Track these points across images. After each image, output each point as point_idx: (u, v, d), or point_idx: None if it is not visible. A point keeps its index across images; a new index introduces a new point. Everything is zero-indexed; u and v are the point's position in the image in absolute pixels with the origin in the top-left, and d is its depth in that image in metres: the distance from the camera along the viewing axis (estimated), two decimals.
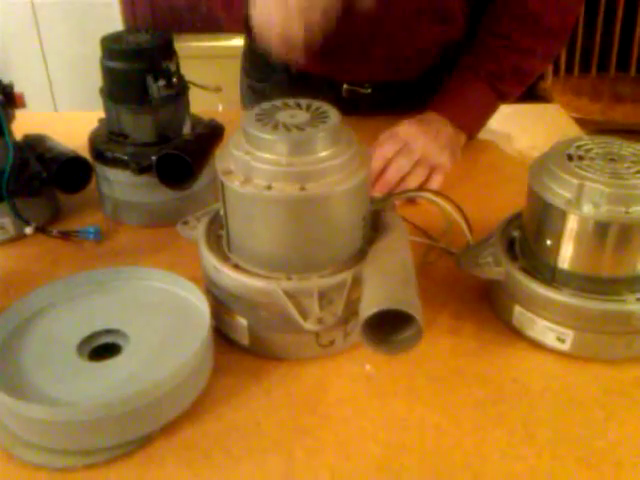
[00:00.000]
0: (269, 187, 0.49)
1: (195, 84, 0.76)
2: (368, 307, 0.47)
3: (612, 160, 0.53)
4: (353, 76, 0.98)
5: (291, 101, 0.54)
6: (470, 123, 0.89)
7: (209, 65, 2.03)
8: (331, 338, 0.54)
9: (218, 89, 0.78)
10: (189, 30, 2.29)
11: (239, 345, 0.56)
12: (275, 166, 0.49)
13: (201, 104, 0.80)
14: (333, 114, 0.52)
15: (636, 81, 1.99)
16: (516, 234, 0.60)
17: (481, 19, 0.90)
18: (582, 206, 0.51)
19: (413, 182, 0.77)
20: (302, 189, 0.49)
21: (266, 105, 0.54)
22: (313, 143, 0.50)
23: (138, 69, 0.68)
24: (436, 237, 0.67)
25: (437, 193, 0.61)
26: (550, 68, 2.00)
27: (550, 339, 0.55)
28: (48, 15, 2.28)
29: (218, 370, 0.54)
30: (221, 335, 0.57)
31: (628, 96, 1.91)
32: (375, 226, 0.58)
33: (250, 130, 0.51)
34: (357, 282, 0.51)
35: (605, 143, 0.56)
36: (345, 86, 0.99)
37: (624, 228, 0.51)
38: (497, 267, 0.57)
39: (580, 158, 0.54)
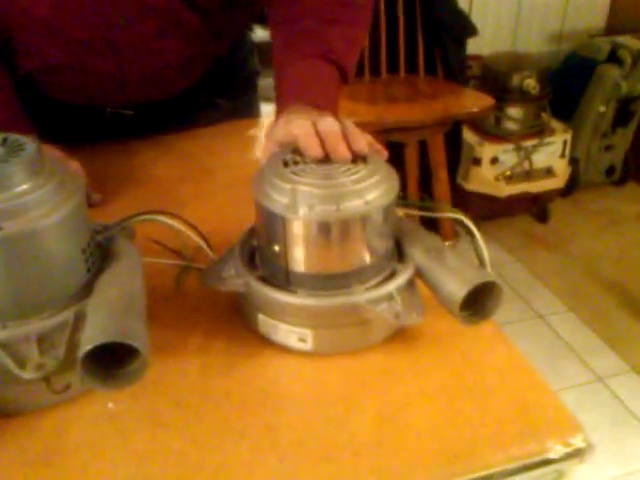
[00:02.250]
0: None
1: None
2: (85, 343, 0.44)
3: (324, 162, 0.55)
4: (113, 102, 0.95)
5: None
6: (330, 101, 0.79)
7: None
8: (66, 382, 0.51)
9: None
10: None
11: None
12: None
13: None
14: (30, 145, 0.49)
15: (406, 82, 2.14)
16: (256, 244, 0.61)
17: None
18: (298, 209, 0.52)
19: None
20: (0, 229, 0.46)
21: None
22: (7, 178, 0.46)
23: None
24: (189, 257, 0.66)
25: (172, 215, 0.59)
26: None
27: (293, 341, 0.56)
28: None
29: None
30: None
31: (400, 97, 2.04)
32: (105, 255, 0.55)
33: None
34: (82, 320, 0.49)
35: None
36: (108, 109, 0.96)
37: (339, 225, 0.53)
38: (238, 279, 0.57)
39: (295, 163, 0.55)
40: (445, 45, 2.07)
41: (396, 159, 2.19)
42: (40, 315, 0.49)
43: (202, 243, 0.59)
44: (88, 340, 0.44)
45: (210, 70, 0.97)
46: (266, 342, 0.57)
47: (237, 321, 0.60)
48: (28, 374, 0.46)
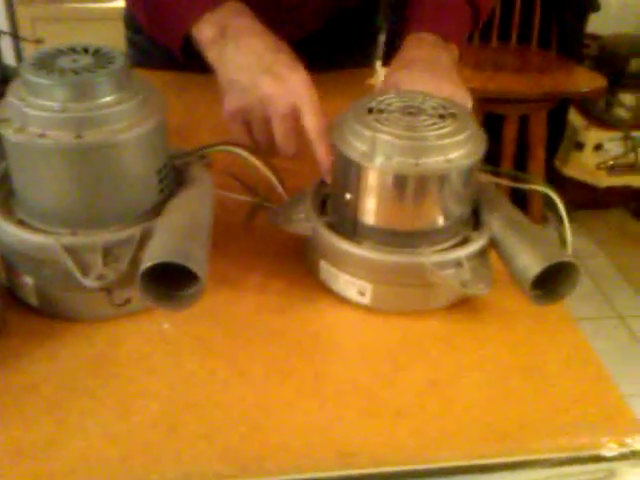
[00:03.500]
0: (43, 135, 0.46)
1: (11, 34, 0.71)
2: (146, 260, 0.45)
3: (410, 113, 0.53)
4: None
5: (79, 45, 0.51)
6: (459, 36, 0.79)
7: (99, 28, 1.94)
8: (126, 296, 0.52)
9: (39, 41, 0.73)
10: None
11: (31, 306, 0.53)
12: (49, 112, 0.46)
13: None
14: (119, 59, 0.49)
15: (516, 52, 2.04)
16: (329, 191, 0.60)
17: None
18: (374, 159, 0.50)
19: None
20: (78, 137, 0.46)
21: (49, 49, 0.50)
22: (91, 88, 0.47)
23: None
24: (262, 195, 0.66)
25: (251, 151, 0.59)
26: None
27: (352, 293, 0.55)
28: None
29: (4, 333, 0.50)
30: (15, 297, 0.54)
31: (508, 66, 1.95)
32: (180, 180, 0.56)
33: (25, 75, 0.47)
34: (148, 238, 0.49)
35: (409, 97, 0.55)
36: None
37: (415, 180, 0.51)
38: (306, 223, 0.57)
39: (380, 111, 0.53)
40: (563, 18, 1.95)
41: (493, 133, 2.11)
42: (109, 228, 0.50)
43: (277, 183, 0.59)
44: (149, 258, 0.45)
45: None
46: (325, 290, 0.56)
47: (299, 265, 0.59)
48: (89, 282, 0.47)
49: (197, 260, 0.45)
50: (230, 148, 0.56)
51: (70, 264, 0.47)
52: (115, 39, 1.05)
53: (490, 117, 1.83)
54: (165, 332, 0.52)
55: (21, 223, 0.50)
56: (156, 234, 0.48)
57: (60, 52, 0.50)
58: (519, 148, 1.98)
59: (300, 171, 0.63)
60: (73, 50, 0.50)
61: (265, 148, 0.64)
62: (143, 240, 0.49)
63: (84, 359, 0.49)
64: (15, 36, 0.70)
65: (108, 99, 0.47)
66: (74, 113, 0.46)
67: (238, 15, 0.66)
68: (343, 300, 0.55)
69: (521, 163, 1.99)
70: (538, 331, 0.54)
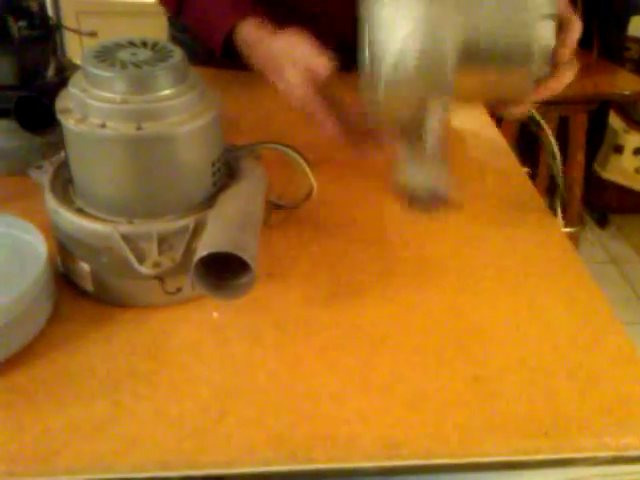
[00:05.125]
0: (103, 125, 0.48)
1: (68, 28, 0.73)
2: (201, 250, 0.46)
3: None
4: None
5: (137, 39, 0.52)
6: None
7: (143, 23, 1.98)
8: (178, 285, 0.53)
9: (93, 34, 0.75)
10: None
11: (85, 292, 0.55)
12: (110, 104, 0.48)
13: None
14: (178, 53, 0.51)
15: None
16: None
17: None
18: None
19: None
20: (138, 128, 0.48)
21: (108, 43, 0.52)
22: (151, 81, 0.48)
23: None
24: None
25: (298, 153, 0.59)
26: None
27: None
28: None
29: (60, 316, 0.52)
30: (70, 283, 0.56)
31: None
32: (232, 173, 0.57)
33: (86, 67, 0.49)
34: (201, 229, 0.51)
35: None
36: None
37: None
38: None
39: None
40: (605, 20, 1.93)
41: (532, 134, 2.09)
42: (164, 217, 0.51)
43: (313, 182, 0.59)
44: (203, 247, 0.46)
45: None
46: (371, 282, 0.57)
47: (343, 258, 0.60)
48: (145, 269, 0.48)
49: (249, 251, 0.46)
50: (279, 147, 0.58)
51: (127, 252, 0.49)
52: (158, 35, 1.07)
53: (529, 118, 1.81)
54: (214, 321, 0.53)
55: (80, 211, 0.52)
56: (209, 225, 0.50)
57: (119, 45, 0.52)
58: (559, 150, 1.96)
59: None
60: (132, 44, 0.52)
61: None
62: (197, 230, 0.50)
63: (138, 344, 0.51)
64: (71, 30, 0.72)
65: (167, 92, 0.49)
66: (134, 105, 0.48)
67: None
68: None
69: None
70: (584, 331, 0.54)
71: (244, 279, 0.47)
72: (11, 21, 0.65)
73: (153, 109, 0.48)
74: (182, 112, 0.49)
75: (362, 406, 0.47)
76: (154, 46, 0.51)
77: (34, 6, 0.66)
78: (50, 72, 0.70)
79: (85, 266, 0.52)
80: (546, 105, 2.03)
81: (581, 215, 1.92)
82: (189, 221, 0.50)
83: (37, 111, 0.66)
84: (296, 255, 0.60)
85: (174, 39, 1.04)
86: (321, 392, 0.48)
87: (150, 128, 0.48)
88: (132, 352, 0.50)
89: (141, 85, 0.48)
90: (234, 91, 0.90)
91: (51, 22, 0.70)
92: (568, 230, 2.03)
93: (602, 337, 0.54)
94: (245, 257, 0.45)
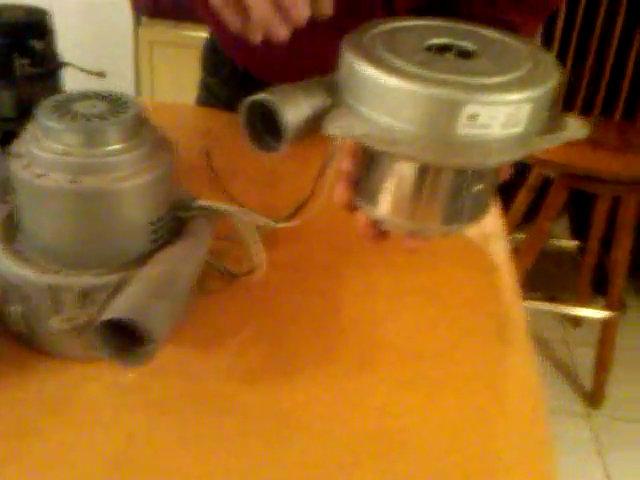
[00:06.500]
0: (41, 175, 0.48)
1: (76, 66, 0.75)
2: (106, 313, 0.45)
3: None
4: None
5: (92, 92, 0.52)
6: None
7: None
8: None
9: (101, 74, 0.77)
10: (190, 19, 2.29)
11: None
12: (52, 154, 0.48)
13: None
14: (133, 108, 0.51)
15: (618, 127, 1.94)
16: None
17: None
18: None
19: None
20: (72, 181, 0.48)
21: (74, 93, 0.52)
22: (97, 135, 0.48)
23: (3, 44, 0.68)
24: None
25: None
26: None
27: None
28: None
29: None
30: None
31: (604, 143, 1.84)
32: (178, 231, 0.56)
33: (38, 116, 0.50)
34: (123, 288, 0.49)
35: None
36: None
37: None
38: None
39: None
40: None
41: (584, 209, 2.00)
42: (92, 271, 0.51)
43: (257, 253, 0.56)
44: (109, 310, 0.45)
45: None
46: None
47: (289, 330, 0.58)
48: (56, 323, 0.48)
49: (155, 318, 0.45)
50: (234, 212, 0.56)
51: (45, 301, 0.49)
52: None
53: (579, 193, 1.74)
54: (127, 383, 0.51)
55: (16, 253, 0.52)
56: (131, 285, 0.49)
57: (84, 96, 0.52)
58: (609, 228, 1.87)
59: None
60: (87, 96, 0.52)
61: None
62: (118, 288, 0.49)
63: (46, 394, 0.50)
64: (79, 69, 0.74)
65: (113, 147, 0.49)
66: (74, 158, 0.48)
67: None
68: None
69: (608, 245, 1.87)
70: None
71: (149, 347, 0.46)
72: (15, 59, 0.68)
73: (92, 163, 0.48)
74: (124, 169, 0.49)
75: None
76: (111, 99, 0.52)
77: (39, 45, 0.69)
78: None
79: (17, 308, 0.52)
80: (593, 182, 1.89)
81: (623, 300, 1.82)
82: (112, 278, 0.50)
83: None
84: (232, 325, 0.59)
85: (202, 82, 1.05)
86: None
87: (85, 182, 0.48)
88: (39, 402, 0.49)
89: (86, 138, 0.48)
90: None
91: (59, 60, 0.72)
92: (612, 314, 1.90)
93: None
94: (146, 325, 0.44)
